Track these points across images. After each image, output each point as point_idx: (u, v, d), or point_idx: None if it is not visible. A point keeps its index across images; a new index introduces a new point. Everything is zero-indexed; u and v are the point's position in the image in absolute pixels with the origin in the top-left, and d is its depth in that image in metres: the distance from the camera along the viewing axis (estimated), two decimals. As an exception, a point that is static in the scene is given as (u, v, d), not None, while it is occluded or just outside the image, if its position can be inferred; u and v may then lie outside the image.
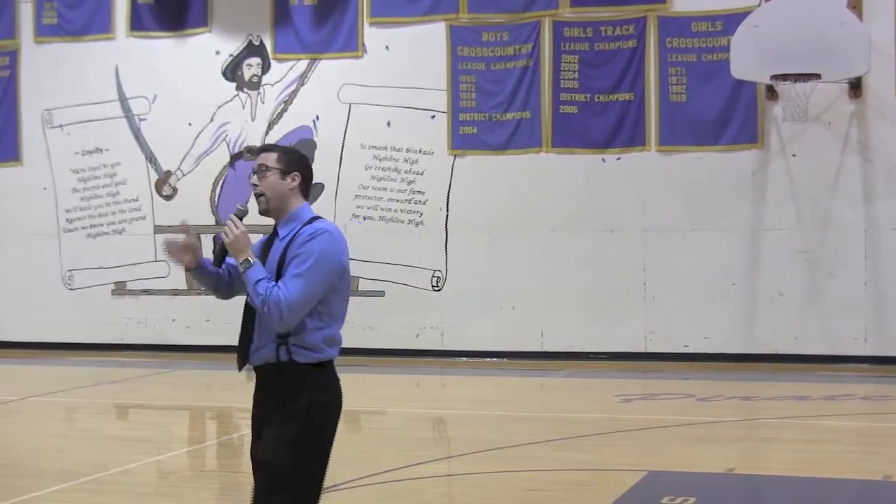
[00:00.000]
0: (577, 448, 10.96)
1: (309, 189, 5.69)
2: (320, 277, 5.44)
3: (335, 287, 5.54)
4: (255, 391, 5.70)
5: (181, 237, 5.69)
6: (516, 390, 15.29)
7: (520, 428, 12.14)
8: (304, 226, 5.56)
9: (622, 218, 17.24)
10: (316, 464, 5.56)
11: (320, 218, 5.63)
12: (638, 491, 9.05)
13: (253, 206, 5.73)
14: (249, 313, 5.60)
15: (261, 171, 5.59)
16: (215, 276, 5.85)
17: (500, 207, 17.64)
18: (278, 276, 5.48)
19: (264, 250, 5.64)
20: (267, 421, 5.58)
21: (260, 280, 5.45)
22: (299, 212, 5.61)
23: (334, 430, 5.64)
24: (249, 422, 5.74)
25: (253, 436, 5.73)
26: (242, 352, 5.63)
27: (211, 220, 18.80)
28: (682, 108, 16.92)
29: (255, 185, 5.61)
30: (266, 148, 5.70)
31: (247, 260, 5.49)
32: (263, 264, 5.56)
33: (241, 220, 5.56)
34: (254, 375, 5.70)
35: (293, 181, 5.58)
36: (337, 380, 5.65)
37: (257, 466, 5.64)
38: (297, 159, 5.65)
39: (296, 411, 5.46)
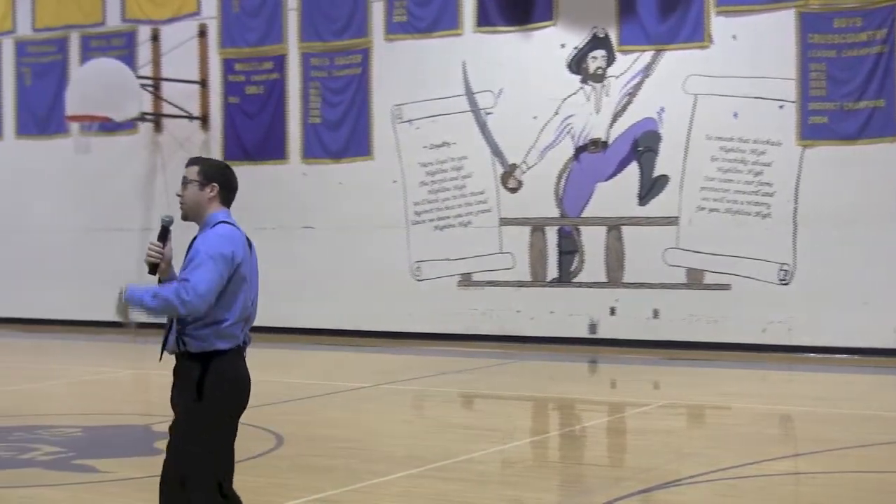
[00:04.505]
0: (933, 450, 10.53)
1: (230, 197, 6.23)
2: (213, 265, 5.94)
3: (229, 279, 6.03)
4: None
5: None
6: (867, 388, 14.82)
7: (871, 427, 11.77)
8: (209, 230, 6.14)
9: (983, 210, 16.48)
10: (212, 437, 6.05)
11: (225, 223, 6.13)
12: None
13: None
14: None
15: (183, 182, 6.17)
16: None
17: (851, 199, 17.11)
18: None
19: (187, 248, 6.16)
20: (176, 401, 6.17)
21: (167, 288, 6.01)
22: (211, 218, 6.15)
23: (230, 410, 6.12)
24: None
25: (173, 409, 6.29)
26: (163, 343, 6.25)
27: (556, 213, 18.93)
28: None
29: (178, 195, 6.21)
30: (191, 161, 6.28)
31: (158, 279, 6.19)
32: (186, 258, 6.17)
33: (168, 226, 6.15)
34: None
35: (211, 191, 6.15)
36: (233, 368, 6.10)
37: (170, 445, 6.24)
38: (215, 171, 6.22)
39: (188, 397, 6.03)
